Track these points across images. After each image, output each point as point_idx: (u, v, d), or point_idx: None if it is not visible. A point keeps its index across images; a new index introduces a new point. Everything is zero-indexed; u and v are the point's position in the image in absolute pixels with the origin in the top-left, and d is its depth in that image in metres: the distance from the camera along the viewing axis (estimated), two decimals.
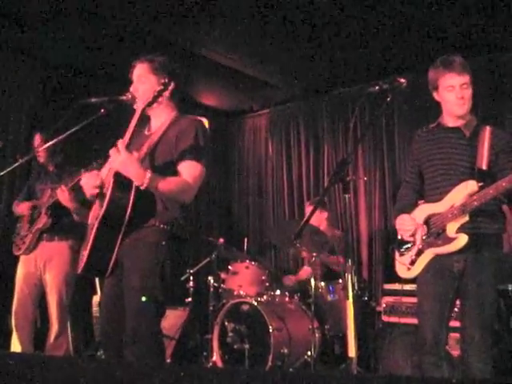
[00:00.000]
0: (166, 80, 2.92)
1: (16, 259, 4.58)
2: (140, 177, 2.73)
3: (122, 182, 2.80)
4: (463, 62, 3.08)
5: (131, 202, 2.80)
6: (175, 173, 2.92)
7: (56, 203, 4.35)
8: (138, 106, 2.95)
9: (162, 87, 2.90)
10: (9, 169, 3.89)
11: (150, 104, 2.93)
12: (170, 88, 3.03)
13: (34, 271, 4.49)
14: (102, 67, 6.20)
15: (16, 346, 4.45)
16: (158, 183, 2.78)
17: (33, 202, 4.58)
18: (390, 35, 5.59)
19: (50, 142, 3.41)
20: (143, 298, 2.77)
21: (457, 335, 3.90)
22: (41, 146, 4.51)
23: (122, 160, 2.75)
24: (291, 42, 5.86)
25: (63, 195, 4.26)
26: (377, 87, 3.01)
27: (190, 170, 2.91)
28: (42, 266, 4.48)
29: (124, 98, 3.00)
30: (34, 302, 4.52)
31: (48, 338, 4.50)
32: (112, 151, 2.80)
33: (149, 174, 2.74)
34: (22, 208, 4.60)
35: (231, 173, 8.46)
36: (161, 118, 3.10)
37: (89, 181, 2.99)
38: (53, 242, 4.49)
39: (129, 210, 2.79)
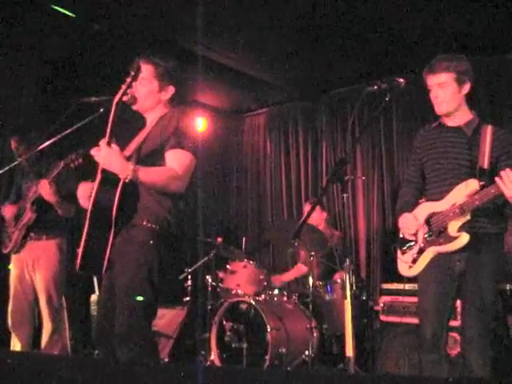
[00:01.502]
0: (133, 74, 2.90)
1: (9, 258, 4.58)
2: (123, 169, 2.73)
3: (108, 179, 2.80)
4: (444, 61, 3.10)
5: (117, 199, 2.78)
6: (162, 165, 2.91)
7: (40, 198, 4.32)
8: (114, 101, 2.92)
9: (129, 80, 2.89)
10: (7, 167, 3.89)
11: (123, 93, 2.91)
12: (170, 93, 3.09)
13: (26, 271, 4.49)
14: (102, 66, 6.20)
15: (16, 345, 4.45)
16: (141, 174, 2.77)
17: (19, 204, 4.54)
18: (390, 35, 5.58)
19: (50, 141, 3.40)
20: (140, 298, 2.76)
21: (455, 335, 3.91)
22: (18, 148, 4.48)
23: (103, 155, 2.76)
24: (290, 42, 5.86)
25: (44, 189, 4.24)
26: (375, 87, 3.02)
27: (175, 159, 2.89)
28: (31, 265, 4.47)
29: (123, 97, 3.00)
30: (30, 302, 4.51)
31: (42, 337, 4.50)
32: (93, 150, 2.81)
33: (131, 166, 2.73)
34: (7, 212, 4.57)
35: (229, 172, 8.45)
36: (154, 116, 3.11)
37: (83, 191, 3.01)
38: (40, 241, 4.47)
39: (115, 208, 2.78)
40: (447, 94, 3.11)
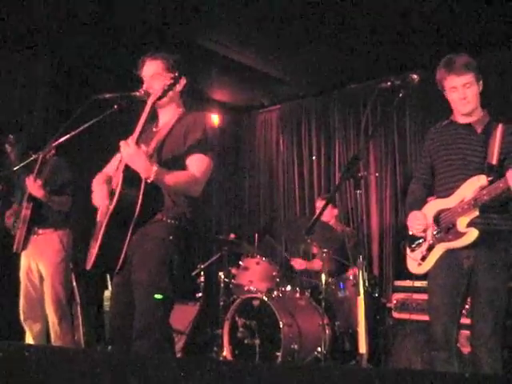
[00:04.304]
0: (176, 74, 2.96)
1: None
2: (147, 170, 2.76)
3: (131, 177, 2.82)
4: (464, 62, 3.09)
5: (141, 197, 2.81)
6: (183, 167, 2.95)
7: (32, 194, 4.35)
8: (149, 101, 2.97)
9: (172, 81, 2.93)
10: (21, 164, 3.92)
11: (160, 98, 2.96)
12: (182, 85, 3.12)
13: (34, 266, 4.54)
14: (115, 64, 6.22)
15: (29, 340, 4.48)
16: (164, 177, 2.81)
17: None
18: (403, 31, 5.57)
19: (63, 138, 3.42)
20: (158, 296, 2.78)
21: (467, 332, 3.89)
22: (12, 151, 4.51)
23: (130, 153, 2.78)
24: (303, 38, 5.85)
25: (30, 184, 4.29)
26: (389, 83, 3.01)
27: (197, 164, 2.95)
28: (36, 259, 4.53)
29: (137, 93, 3.02)
30: (40, 296, 4.55)
31: (50, 329, 4.53)
32: (122, 143, 2.82)
33: (155, 168, 2.76)
34: (8, 220, 4.64)
35: (242, 168, 8.46)
36: (169, 114, 3.14)
37: (100, 190, 3.03)
38: (43, 234, 4.52)
39: (138, 206, 2.81)
40: (473, 93, 3.11)
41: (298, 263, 5.96)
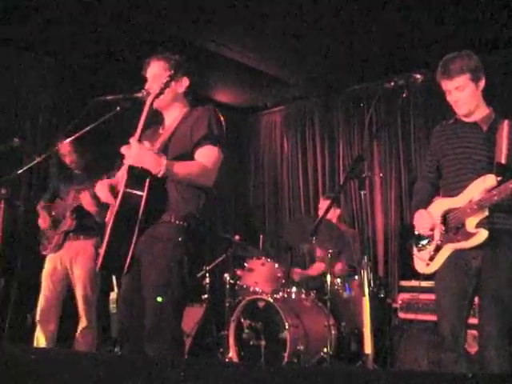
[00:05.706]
0: (173, 71, 2.94)
1: (36, 257, 4.67)
2: (156, 164, 2.73)
3: (135, 177, 2.80)
4: (458, 64, 3.06)
5: (145, 196, 2.78)
6: None
7: (80, 206, 4.42)
8: (147, 100, 2.95)
9: (168, 78, 2.91)
10: (26, 167, 3.93)
11: (157, 95, 2.93)
12: (185, 85, 3.08)
13: (60, 268, 4.58)
14: (119, 65, 6.24)
15: (40, 340, 4.50)
16: (174, 168, 2.79)
17: (54, 203, 4.67)
18: (406, 31, 5.56)
19: (69, 139, 3.42)
20: (159, 299, 2.76)
21: (474, 332, 3.88)
22: (67, 151, 4.56)
23: (135, 153, 2.76)
24: (306, 39, 5.84)
25: (86, 200, 4.34)
26: (392, 83, 3.00)
27: (206, 154, 2.93)
28: (69, 262, 4.57)
29: (139, 95, 3.01)
30: (59, 299, 4.58)
31: (77, 330, 4.57)
32: (124, 148, 2.82)
33: (164, 161, 2.74)
34: (42, 222, 4.67)
35: (246, 169, 8.46)
36: (174, 114, 3.13)
37: (102, 187, 3.04)
38: (78, 240, 4.59)
39: (143, 205, 2.78)
40: (466, 95, 3.09)
41: (295, 273, 5.96)
